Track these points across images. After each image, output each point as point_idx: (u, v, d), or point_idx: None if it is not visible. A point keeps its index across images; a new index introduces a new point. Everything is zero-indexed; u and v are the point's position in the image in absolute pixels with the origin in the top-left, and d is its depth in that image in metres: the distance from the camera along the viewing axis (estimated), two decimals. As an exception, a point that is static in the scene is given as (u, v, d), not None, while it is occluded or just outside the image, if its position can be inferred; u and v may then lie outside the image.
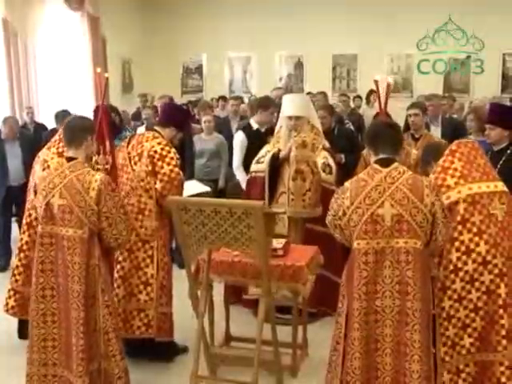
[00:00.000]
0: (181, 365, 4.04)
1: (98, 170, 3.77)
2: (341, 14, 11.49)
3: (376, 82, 3.85)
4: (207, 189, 5.18)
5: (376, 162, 3.02)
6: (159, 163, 3.92)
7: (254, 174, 4.91)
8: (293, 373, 3.93)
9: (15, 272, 4.28)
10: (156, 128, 4.19)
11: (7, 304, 4.28)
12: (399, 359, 2.92)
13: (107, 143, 3.80)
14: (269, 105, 5.72)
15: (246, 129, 5.75)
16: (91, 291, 3.27)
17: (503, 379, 3.10)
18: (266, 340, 3.59)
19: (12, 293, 4.27)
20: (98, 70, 3.96)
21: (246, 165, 5.26)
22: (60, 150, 4.24)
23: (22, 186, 6.03)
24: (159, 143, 3.98)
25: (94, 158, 3.86)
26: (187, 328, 4.16)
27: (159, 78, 11.77)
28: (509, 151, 4.09)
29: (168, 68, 12.44)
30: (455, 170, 3.19)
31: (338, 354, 3.06)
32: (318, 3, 11.43)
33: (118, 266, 3.97)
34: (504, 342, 3.10)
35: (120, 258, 3.98)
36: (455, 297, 3.12)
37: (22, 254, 4.27)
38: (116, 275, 3.94)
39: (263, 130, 5.61)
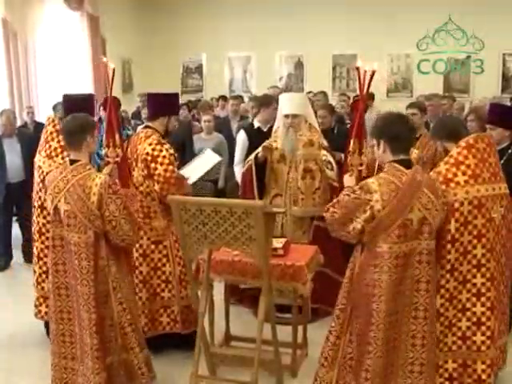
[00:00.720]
0: (181, 365, 4.03)
1: (108, 163, 3.74)
2: (341, 14, 11.48)
3: (357, 68, 3.83)
4: (219, 159, 5.02)
5: (396, 162, 2.97)
6: (152, 165, 3.91)
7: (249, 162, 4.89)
8: (293, 373, 3.93)
9: (39, 280, 4.34)
10: (148, 124, 4.18)
11: (40, 311, 4.36)
12: (414, 352, 3.01)
13: (117, 136, 3.74)
14: (270, 101, 5.74)
15: (248, 128, 5.77)
16: (103, 291, 3.31)
17: (484, 376, 3.18)
18: (266, 340, 3.59)
19: (42, 300, 4.33)
20: (105, 59, 3.86)
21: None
22: (48, 152, 4.23)
23: (21, 184, 6.03)
24: (150, 144, 3.94)
25: (103, 151, 3.84)
26: (187, 328, 4.14)
27: (159, 77, 11.74)
28: (510, 151, 4.10)
29: (168, 68, 12.42)
30: (468, 166, 3.16)
31: (336, 349, 3.12)
32: (318, 3, 11.42)
33: (136, 272, 4.00)
34: (488, 342, 3.17)
35: (136, 263, 4.01)
36: (447, 296, 3.17)
37: (40, 262, 4.31)
38: (136, 280, 3.97)
39: (266, 129, 5.61)
